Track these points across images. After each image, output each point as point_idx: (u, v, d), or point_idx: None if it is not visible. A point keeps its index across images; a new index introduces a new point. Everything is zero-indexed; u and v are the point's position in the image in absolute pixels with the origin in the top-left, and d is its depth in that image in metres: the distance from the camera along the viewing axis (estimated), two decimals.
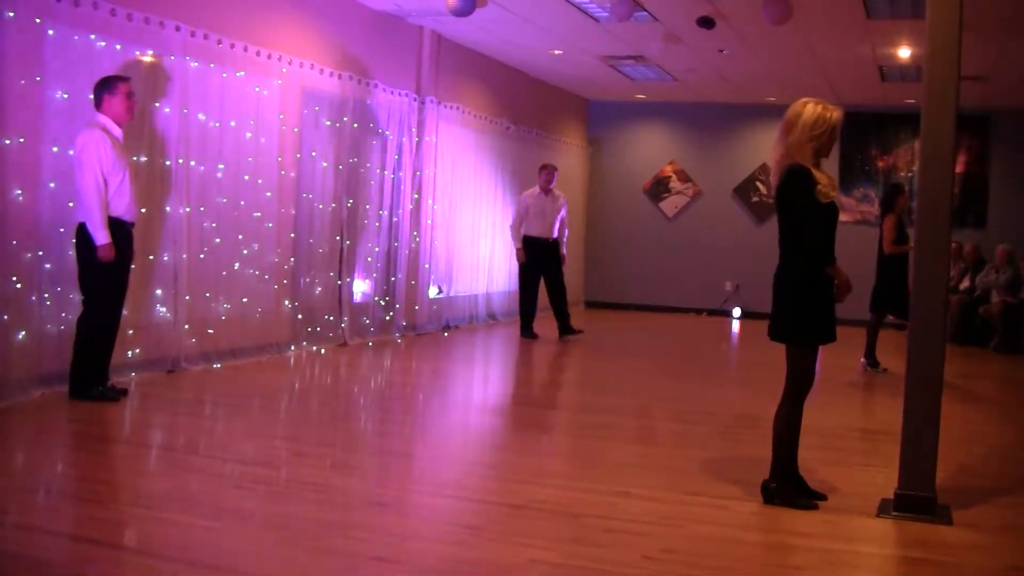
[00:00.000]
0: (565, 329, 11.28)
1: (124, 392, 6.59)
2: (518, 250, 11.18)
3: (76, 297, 6.56)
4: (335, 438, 5.98)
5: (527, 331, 11.22)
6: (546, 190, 11.19)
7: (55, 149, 6.51)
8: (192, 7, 7.71)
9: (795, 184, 4.51)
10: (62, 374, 6.43)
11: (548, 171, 11.26)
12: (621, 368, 9.69)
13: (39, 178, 6.44)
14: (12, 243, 6.21)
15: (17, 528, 3.96)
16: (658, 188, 16.08)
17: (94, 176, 6.17)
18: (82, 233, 6.28)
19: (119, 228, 6.33)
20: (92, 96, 6.40)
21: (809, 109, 4.56)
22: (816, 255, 4.55)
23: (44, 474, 4.89)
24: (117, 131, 6.40)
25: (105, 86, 6.38)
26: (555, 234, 11.23)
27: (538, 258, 11.14)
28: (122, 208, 6.37)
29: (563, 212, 11.34)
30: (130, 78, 6.59)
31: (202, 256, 7.87)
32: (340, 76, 9.53)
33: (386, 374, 8.60)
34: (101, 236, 6.21)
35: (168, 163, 7.53)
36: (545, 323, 11.49)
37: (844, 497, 4.82)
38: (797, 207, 4.52)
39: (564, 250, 11.44)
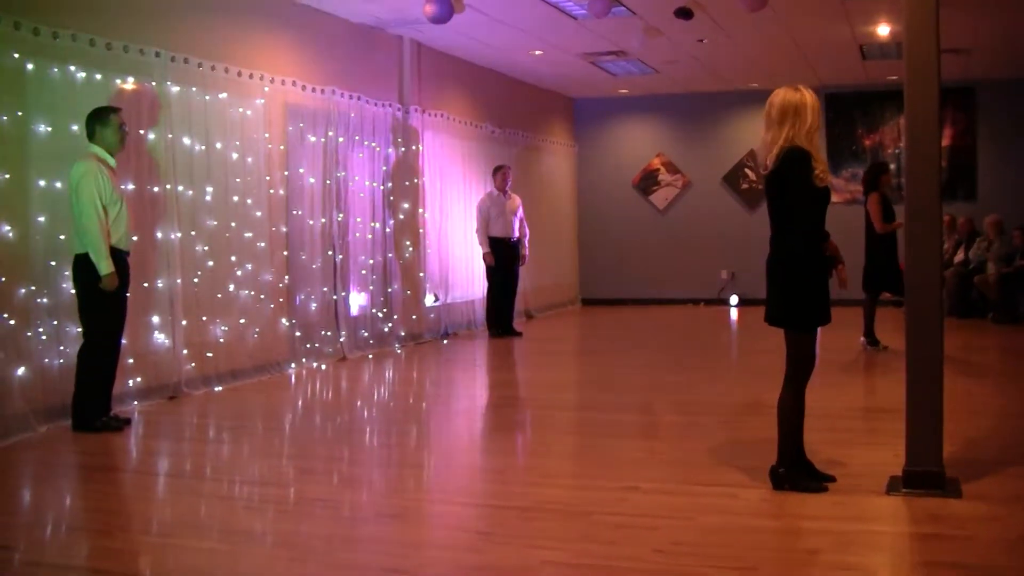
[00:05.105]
0: (507, 329, 11.67)
1: (127, 421, 6.59)
2: (486, 254, 11.52)
3: (73, 330, 6.56)
4: (341, 453, 5.97)
5: (498, 330, 11.62)
6: (503, 190, 11.58)
7: (42, 183, 6.50)
8: (171, 32, 7.71)
9: (796, 166, 4.51)
10: (64, 408, 6.42)
11: (504, 172, 11.71)
12: (622, 364, 9.68)
13: (27, 213, 6.43)
14: (1, 280, 6.20)
15: (29, 565, 3.94)
16: (647, 181, 16.09)
17: (94, 206, 6.17)
18: (80, 264, 6.27)
19: (116, 258, 6.32)
20: (85, 127, 6.40)
21: (808, 96, 4.57)
22: (812, 236, 4.57)
23: (53, 508, 4.87)
24: (111, 161, 6.41)
25: (98, 117, 6.38)
26: (516, 234, 11.60)
27: (503, 257, 11.52)
28: (118, 237, 6.37)
29: (520, 211, 11.74)
30: (121, 108, 6.59)
31: (196, 280, 7.86)
32: (323, 91, 9.53)
33: (388, 385, 8.60)
34: (105, 266, 6.21)
35: (156, 189, 7.52)
36: (534, 324, 11.47)
37: (853, 477, 4.82)
38: (795, 189, 4.53)
39: (526, 250, 11.90)
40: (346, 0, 9.44)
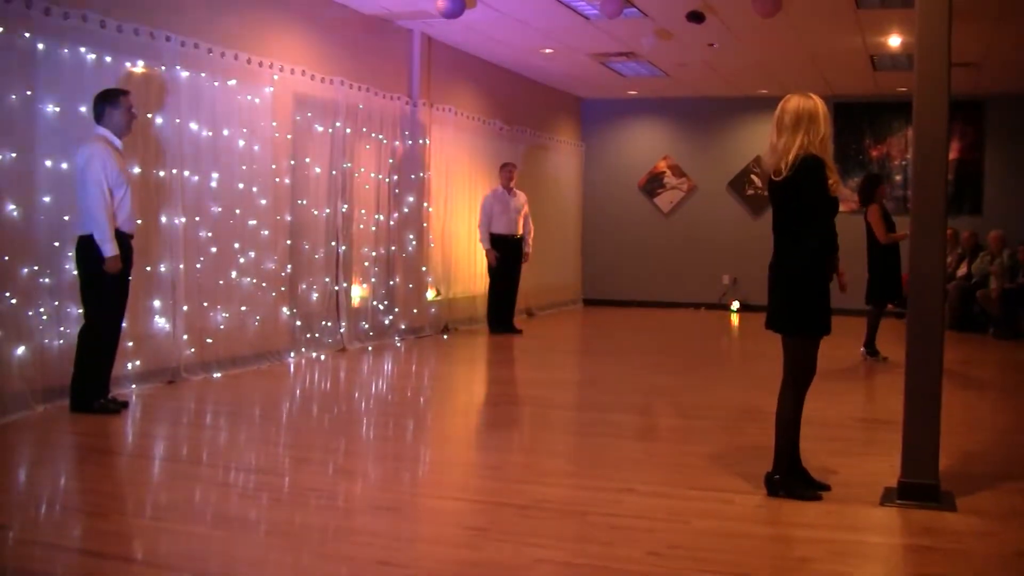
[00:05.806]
0: (507, 326, 11.68)
1: (125, 404, 6.59)
2: (488, 251, 11.53)
3: (75, 311, 6.56)
4: (337, 444, 5.96)
5: (498, 327, 11.60)
6: (508, 188, 11.61)
7: (48, 163, 6.50)
8: (182, 17, 7.71)
9: (813, 175, 4.50)
10: (63, 388, 6.42)
11: (509, 169, 11.73)
12: (622, 365, 9.68)
13: (33, 193, 6.43)
14: (4, 259, 6.20)
15: (23, 543, 3.95)
16: (653, 184, 16.08)
17: (100, 188, 6.17)
18: (83, 246, 6.27)
19: (120, 240, 6.33)
20: (93, 109, 6.40)
21: (820, 104, 4.57)
22: (826, 244, 4.58)
23: (48, 488, 4.88)
24: (118, 144, 6.40)
25: (106, 99, 6.37)
26: (520, 231, 11.60)
27: (505, 254, 11.52)
28: (122, 220, 6.37)
29: (525, 208, 11.76)
30: (130, 91, 6.59)
31: (199, 266, 7.87)
32: (331, 81, 9.53)
33: (386, 378, 8.60)
34: (109, 248, 6.21)
35: (162, 174, 7.52)
36: (535, 322, 11.47)
37: (848, 487, 4.82)
38: (813, 197, 4.53)
39: (529, 248, 11.89)
40: None
